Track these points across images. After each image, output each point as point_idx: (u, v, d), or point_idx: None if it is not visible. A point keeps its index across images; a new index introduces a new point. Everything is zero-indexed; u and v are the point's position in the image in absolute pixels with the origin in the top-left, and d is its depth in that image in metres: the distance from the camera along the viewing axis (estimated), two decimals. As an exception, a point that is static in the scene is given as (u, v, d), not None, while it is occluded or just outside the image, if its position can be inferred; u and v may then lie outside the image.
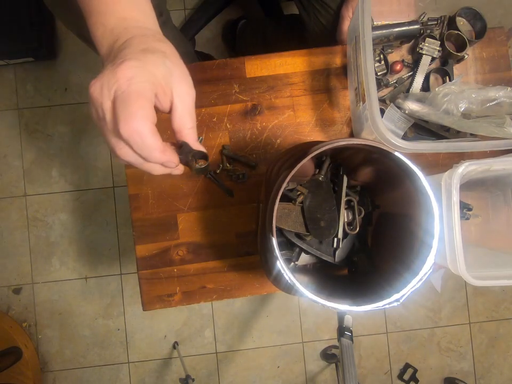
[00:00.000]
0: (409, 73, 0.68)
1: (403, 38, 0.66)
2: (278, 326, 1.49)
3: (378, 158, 0.46)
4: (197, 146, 0.37)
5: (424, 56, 0.66)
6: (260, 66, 0.67)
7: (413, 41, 0.68)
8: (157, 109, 0.36)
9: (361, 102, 0.58)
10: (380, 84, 0.67)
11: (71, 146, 1.45)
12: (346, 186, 0.52)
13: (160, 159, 0.34)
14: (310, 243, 0.53)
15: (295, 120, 0.67)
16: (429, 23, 0.68)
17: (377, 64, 0.66)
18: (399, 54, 0.69)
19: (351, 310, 0.40)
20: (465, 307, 1.53)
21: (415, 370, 1.50)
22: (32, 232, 1.45)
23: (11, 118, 1.44)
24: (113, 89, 0.32)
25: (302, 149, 0.45)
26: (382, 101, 0.67)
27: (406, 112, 0.62)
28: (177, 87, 0.36)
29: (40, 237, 1.45)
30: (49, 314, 1.45)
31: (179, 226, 0.66)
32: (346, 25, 0.68)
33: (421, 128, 0.66)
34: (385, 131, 0.50)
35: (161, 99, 0.35)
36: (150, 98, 0.33)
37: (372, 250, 0.56)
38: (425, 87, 0.68)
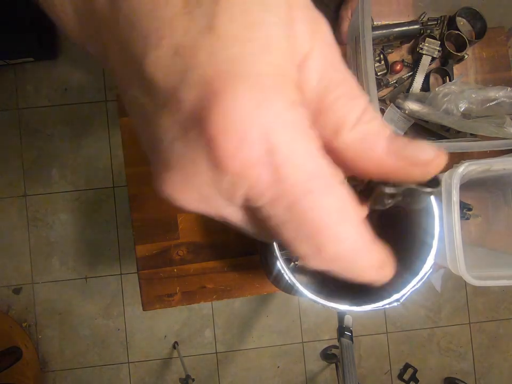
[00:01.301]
0: (409, 73, 0.68)
1: (403, 38, 0.66)
2: (278, 326, 1.49)
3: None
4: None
5: (424, 56, 0.66)
6: (259, 66, 0.67)
7: (413, 41, 0.68)
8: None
9: (361, 102, 0.58)
10: (380, 84, 0.67)
11: (71, 146, 1.46)
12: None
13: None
14: (310, 243, 0.53)
15: (295, 120, 0.67)
16: (429, 23, 0.68)
17: (377, 64, 0.66)
18: (399, 54, 0.69)
19: (351, 310, 0.40)
20: (465, 307, 1.53)
21: (415, 370, 1.50)
22: (32, 232, 1.45)
23: (11, 118, 1.44)
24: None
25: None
26: (382, 101, 0.67)
27: (406, 112, 0.62)
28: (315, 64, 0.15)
29: (40, 237, 1.45)
30: (49, 314, 1.45)
31: (179, 226, 0.66)
32: (345, 25, 0.68)
33: (421, 128, 0.66)
34: (385, 131, 0.50)
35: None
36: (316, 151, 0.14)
37: (371, 250, 0.56)
38: (425, 87, 0.68)
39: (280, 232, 0.15)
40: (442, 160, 0.15)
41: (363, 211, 0.15)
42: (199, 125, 0.13)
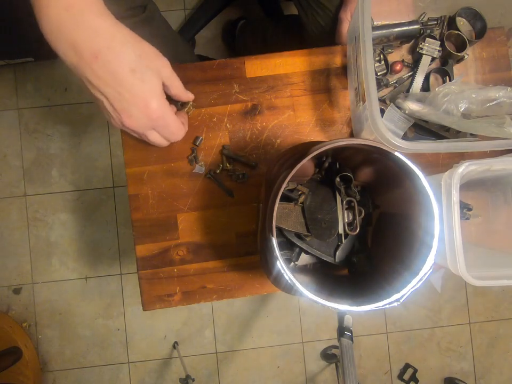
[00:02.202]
0: (409, 73, 0.68)
1: (403, 38, 0.66)
2: (278, 326, 1.49)
3: (378, 158, 0.46)
4: (187, 95, 0.58)
5: (424, 56, 0.65)
6: (260, 66, 0.67)
7: (413, 41, 0.68)
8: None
9: (361, 102, 0.58)
10: (380, 84, 0.67)
11: (71, 146, 1.46)
12: (347, 187, 0.52)
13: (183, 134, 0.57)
14: (310, 243, 0.53)
15: (295, 120, 0.67)
16: (429, 23, 0.68)
17: (377, 64, 0.66)
18: (399, 54, 0.69)
19: (351, 310, 0.40)
20: (465, 307, 1.53)
21: (415, 370, 1.50)
22: (32, 232, 1.45)
23: (11, 118, 1.44)
24: (154, 125, 0.52)
25: (302, 149, 0.45)
26: (382, 101, 0.67)
27: (406, 112, 0.62)
28: (161, 71, 0.49)
29: (40, 237, 1.45)
30: (49, 314, 1.46)
31: (179, 226, 0.66)
32: (344, 28, 0.68)
33: (421, 128, 0.66)
34: (385, 131, 0.50)
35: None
36: (171, 111, 0.53)
37: (371, 251, 0.56)
38: (425, 87, 0.68)
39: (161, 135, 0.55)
40: (191, 99, 0.60)
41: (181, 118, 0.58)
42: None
